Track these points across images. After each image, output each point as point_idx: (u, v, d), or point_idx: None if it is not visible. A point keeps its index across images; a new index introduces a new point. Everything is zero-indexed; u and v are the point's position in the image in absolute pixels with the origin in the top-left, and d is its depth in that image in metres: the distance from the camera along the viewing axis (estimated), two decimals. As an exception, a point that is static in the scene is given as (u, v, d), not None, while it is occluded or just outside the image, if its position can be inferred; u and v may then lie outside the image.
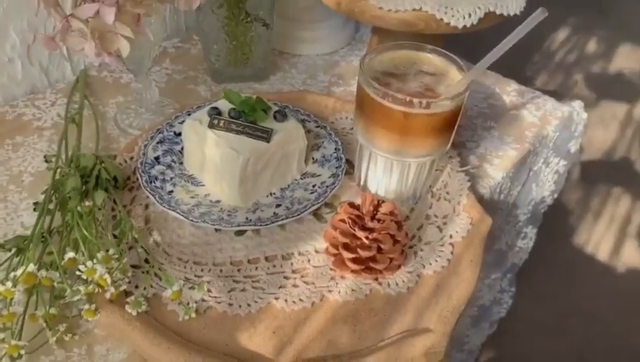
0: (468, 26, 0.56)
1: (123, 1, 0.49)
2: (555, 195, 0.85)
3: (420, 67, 0.54)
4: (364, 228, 0.49)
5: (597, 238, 1.65)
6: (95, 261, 0.45)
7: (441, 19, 0.56)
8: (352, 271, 0.50)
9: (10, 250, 0.49)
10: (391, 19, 0.57)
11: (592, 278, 1.52)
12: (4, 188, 0.58)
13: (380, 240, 0.49)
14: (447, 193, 0.60)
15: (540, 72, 2.40)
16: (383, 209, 0.50)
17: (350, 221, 0.50)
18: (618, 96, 2.27)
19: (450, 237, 0.55)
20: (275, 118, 0.57)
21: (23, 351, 0.43)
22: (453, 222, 0.57)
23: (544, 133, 0.71)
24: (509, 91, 0.77)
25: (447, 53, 0.54)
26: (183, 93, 0.72)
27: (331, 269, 0.51)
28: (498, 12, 0.57)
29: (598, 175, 1.87)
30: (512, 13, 0.58)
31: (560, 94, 2.26)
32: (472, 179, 0.63)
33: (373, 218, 0.50)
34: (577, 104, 0.77)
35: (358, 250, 0.49)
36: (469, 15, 0.56)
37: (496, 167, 0.66)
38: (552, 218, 0.90)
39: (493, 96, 0.76)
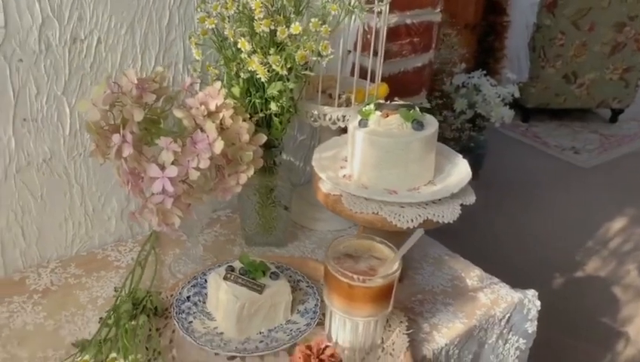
0: (411, 227, 0.79)
1: (179, 194, 0.77)
2: (521, 370, 0.98)
3: (372, 253, 0.77)
4: (310, 364, 0.69)
5: None
6: (127, 360, 0.68)
7: (391, 222, 0.79)
8: (301, 395, 0.69)
9: (78, 347, 0.74)
10: (359, 218, 0.82)
11: None
12: (83, 306, 0.85)
13: (321, 374, 0.68)
14: (394, 349, 0.79)
15: (591, 257, 2.48)
16: (327, 351, 0.70)
17: (302, 357, 0.70)
18: (674, 289, 2.28)
19: (384, 382, 0.73)
20: (270, 277, 0.81)
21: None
22: (391, 372, 0.75)
23: (492, 313, 0.89)
24: (472, 276, 0.96)
25: (390, 244, 0.76)
26: (221, 251, 0.99)
27: (287, 392, 0.71)
28: (435, 220, 0.80)
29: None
30: (446, 221, 0.81)
31: (610, 281, 2.32)
32: (419, 342, 0.82)
33: (318, 357, 0.70)
34: (531, 293, 0.94)
35: (304, 379, 0.68)
36: (412, 220, 0.79)
37: (443, 335, 0.84)
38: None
39: (458, 279, 0.96)
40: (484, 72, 2.56)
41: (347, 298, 0.73)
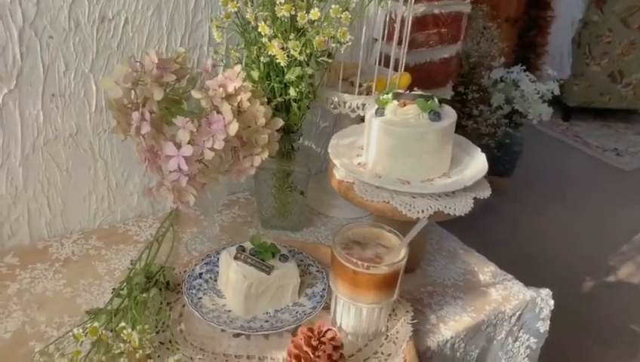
0: (421, 218, 0.79)
1: (195, 173, 0.79)
2: (531, 369, 0.97)
3: (379, 241, 0.77)
4: (311, 346, 0.70)
5: None
6: (135, 330, 0.71)
7: (401, 211, 0.79)
8: (300, 376, 0.70)
9: (91, 315, 0.77)
10: (370, 206, 0.82)
11: None
12: (101, 276, 0.88)
13: (320, 356, 0.69)
14: (397, 338, 0.79)
15: (625, 262, 2.40)
16: (328, 335, 0.71)
17: (304, 339, 0.71)
18: None
19: (386, 370, 0.74)
20: (279, 259, 0.82)
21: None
22: (392, 360, 0.75)
23: (502, 309, 0.88)
24: (485, 271, 0.95)
25: (399, 234, 0.77)
26: (237, 232, 1.01)
27: (288, 373, 0.72)
28: (446, 212, 0.80)
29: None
30: (458, 214, 0.80)
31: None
32: (425, 332, 0.82)
33: (319, 339, 0.71)
34: (544, 292, 0.92)
35: (302, 360, 0.70)
36: (423, 211, 0.79)
37: (449, 327, 0.84)
38: None
39: (470, 273, 0.95)
40: (524, 67, 2.50)
41: (352, 284, 0.74)
